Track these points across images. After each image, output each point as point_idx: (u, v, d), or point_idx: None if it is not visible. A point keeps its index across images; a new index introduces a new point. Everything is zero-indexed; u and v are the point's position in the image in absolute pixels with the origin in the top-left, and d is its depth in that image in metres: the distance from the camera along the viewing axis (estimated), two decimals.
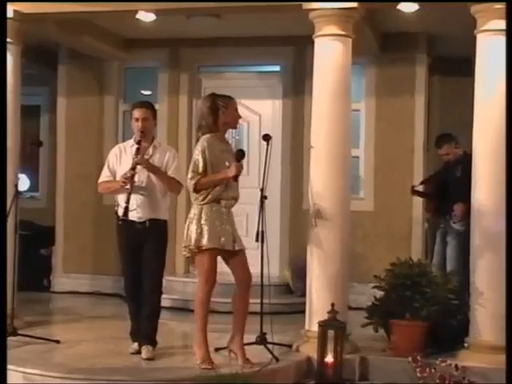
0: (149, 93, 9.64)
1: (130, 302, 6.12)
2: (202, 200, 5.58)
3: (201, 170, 5.54)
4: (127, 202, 5.74)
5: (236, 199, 5.72)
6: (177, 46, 9.19)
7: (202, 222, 5.56)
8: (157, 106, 9.34)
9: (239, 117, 5.79)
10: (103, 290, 9.14)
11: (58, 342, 6.30)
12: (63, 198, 9.48)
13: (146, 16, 7.37)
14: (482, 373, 5.71)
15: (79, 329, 6.03)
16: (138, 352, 5.90)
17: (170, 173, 5.95)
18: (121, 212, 5.83)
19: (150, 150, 5.97)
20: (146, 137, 5.95)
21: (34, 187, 10.66)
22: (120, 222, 5.91)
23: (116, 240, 6.08)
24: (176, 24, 8.16)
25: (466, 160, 6.97)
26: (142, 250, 5.93)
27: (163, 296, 8.43)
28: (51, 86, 10.05)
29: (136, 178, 5.79)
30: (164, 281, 8.91)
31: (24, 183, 9.41)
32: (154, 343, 5.95)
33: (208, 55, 9.19)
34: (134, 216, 5.87)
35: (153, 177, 5.89)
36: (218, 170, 5.56)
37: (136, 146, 5.87)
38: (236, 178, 5.52)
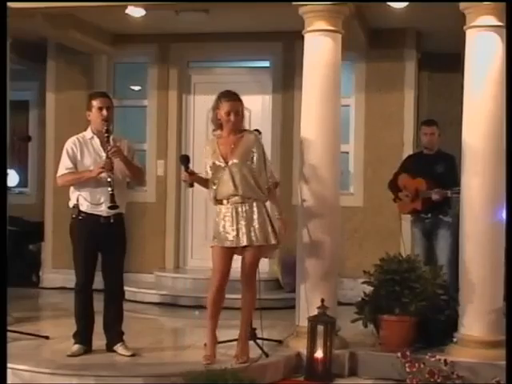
0: (138, 88, 9.62)
1: (83, 300, 5.82)
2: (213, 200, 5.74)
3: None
4: (112, 190, 5.57)
5: (236, 196, 5.62)
6: (166, 42, 9.16)
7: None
8: (146, 102, 9.41)
9: (228, 119, 5.66)
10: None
11: (47, 337, 6.29)
12: (52, 193, 9.41)
13: (135, 11, 7.36)
14: (470, 367, 5.73)
15: (68, 324, 5.99)
16: (77, 354, 5.70)
17: (134, 162, 5.86)
18: (84, 206, 5.73)
19: (111, 141, 5.74)
20: (109, 127, 5.75)
21: (23, 183, 10.63)
22: (80, 218, 5.77)
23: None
24: (165, 19, 8.14)
25: (451, 157, 7.04)
26: (102, 247, 5.77)
27: (152, 291, 8.56)
28: (40, 80, 10.02)
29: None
30: (153, 276, 9.05)
31: (13, 179, 9.40)
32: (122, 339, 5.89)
33: (197, 50, 9.17)
34: (99, 211, 5.72)
35: (117, 169, 5.70)
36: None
37: (105, 135, 5.65)
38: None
